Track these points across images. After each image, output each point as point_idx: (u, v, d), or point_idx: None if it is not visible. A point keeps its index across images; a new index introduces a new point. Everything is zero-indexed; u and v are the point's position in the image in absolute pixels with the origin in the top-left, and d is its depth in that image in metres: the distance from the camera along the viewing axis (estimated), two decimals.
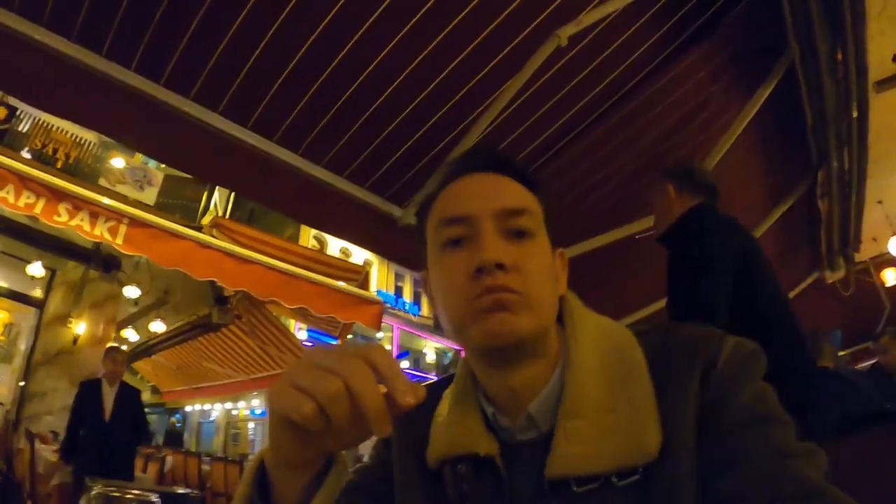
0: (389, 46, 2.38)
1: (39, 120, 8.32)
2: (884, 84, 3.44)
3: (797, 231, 4.66)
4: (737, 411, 0.64)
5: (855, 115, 3.35)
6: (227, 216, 9.01)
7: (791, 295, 5.44)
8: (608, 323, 0.78)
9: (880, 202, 4.85)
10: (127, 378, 5.12)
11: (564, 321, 0.77)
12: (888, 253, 5.21)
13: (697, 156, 3.20)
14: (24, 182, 4.58)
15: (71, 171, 8.04)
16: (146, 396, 15.63)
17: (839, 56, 2.94)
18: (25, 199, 4.57)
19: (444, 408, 0.81)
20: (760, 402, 0.65)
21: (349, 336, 7.53)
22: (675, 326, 0.74)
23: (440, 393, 0.84)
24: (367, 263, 7.23)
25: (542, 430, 0.72)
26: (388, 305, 22.92)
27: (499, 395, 0.76)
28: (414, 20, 2.31)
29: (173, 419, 23.22)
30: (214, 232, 6.00)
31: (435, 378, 0.95)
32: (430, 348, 26.51)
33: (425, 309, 24.42)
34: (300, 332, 14.81)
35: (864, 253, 5.38)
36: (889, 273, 5.78)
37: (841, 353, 6.20)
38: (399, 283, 25.44)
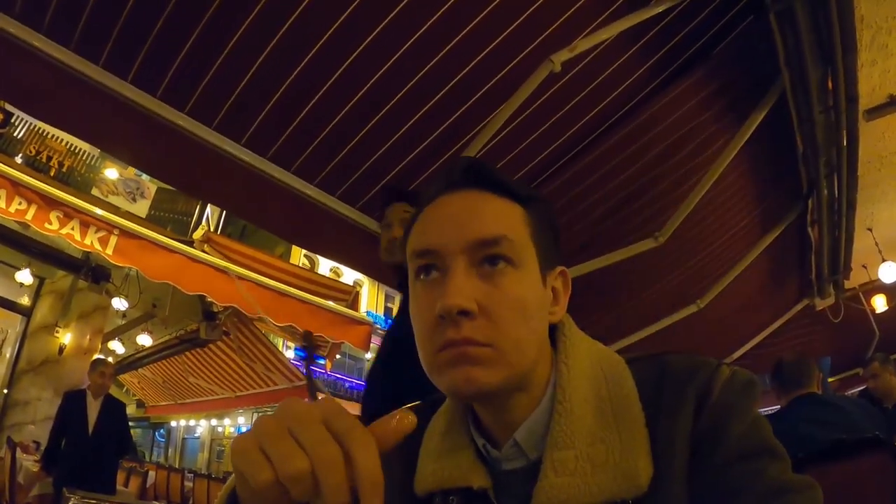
0: (384, 68, 2.39)
1: (34, 126, 8.27)
2: (874, 112, 3.48)
3: (787, 258, 4.68)
4: (731, 444, 0.61)
5: (845, 143, 3.38)
6: (219, 231, 8.98)
7: (780, 322, 5.48)
8: (601, 349, 0.75)
9: (870, 229, 4.89)
10: (112, 391, 5.05)
11: (557, 344, 0.73)
12: (878, 280, 5.24)
13: (688, 182, 3.23)
14: (16, 188, 4.58)
15: (64, 180, 8.01)
16: (131, 410, 15.48)
17: (830, 85, 2.98)
18: (17, 205, 4.57)
19: (433, 434, 0.77)
20: (755, 434, 0.63)
21: (337, 356, 7.49)
22: (668, 355, 0.71)
23: (430, 414, 0.80)
24: (357, 284, 7.23)
25: (530, 457, 0.69)
26: (378, 326, 22.80)
27: (486, 425, 0.73)
28: (409, 43, 2.33)
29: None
30: (205, 247, 5.98)
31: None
32: None
33: None
34: (288, 350, 14.72)
35: (854, 280, 5.41)
36: (878, 300, 5.81)
37: (830, 380, 6.23)
38: (389, 304, 25.26)
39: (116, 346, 9.96)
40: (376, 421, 0.47)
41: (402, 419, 0.47)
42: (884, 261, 5.08)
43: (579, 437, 0.65)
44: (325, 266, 19.99)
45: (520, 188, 0.73)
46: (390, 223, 1.90)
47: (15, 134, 8.27)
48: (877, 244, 5.05)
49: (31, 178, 4.82)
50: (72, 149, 8.63)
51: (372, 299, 23.60)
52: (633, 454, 0.63)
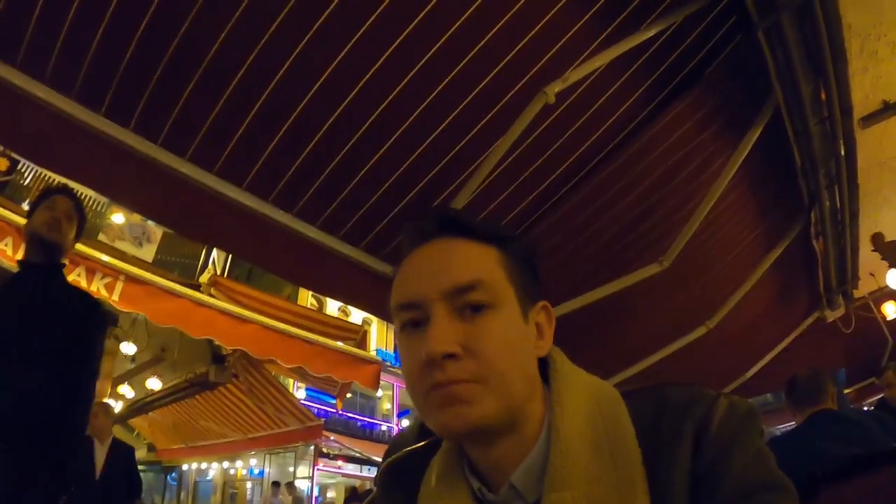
0: (380, 109, 2.42)
1: (40, 174, 8.33)
2: (869, 119, 3.49)
3: (794, 273, 4.66)
4: (733, 481, 0.60)
5: (843, 152, 3.38)
6: (226, 275, 9.01)
7: (792, 337, 5.43)
8: (595, 383, 0.74)
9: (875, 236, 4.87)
10: (123, 435, 5.05)
11: (550, 382, 0.73)
12: (887, 286, 5.19)
13: (689, 204, 3.22)
14: (22, 235, 4.59)
15: None
16: (142, 454, 15.36)
17: (823, 96, 2.99)
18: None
19: (430, 478, 0.77)
20: (758, 468, 0.62)
21: (348, 395, 7.45)
22: (666, 387, 0.70)
23: (428, 458, 0.79)
24: (365, 322, 7.24)
25: (528, 500, 0.68)
26: (388, 364, 22.66)
27: (481, 467, 0.73)
28: (405, 81, 2.35)
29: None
30: (212, 290, 6.00)
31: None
32: None
33: None
34: (299, 391, 14.67)
35: (863, 288, 5.37)
36: (889, 307, 5.75)
37: (846, 391, 6.15)
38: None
39: (126, 391, 9.92)
40: None
41: None
42: (891, 267, 5.04)
43: (576, 478, 0.64)
44: (333, 306, 19.93)
45: (492, 230, 0.75)
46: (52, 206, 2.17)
47: (21, 181, 8.34)
48: None
49: None
50: (78, 195, 8.69)
51: (381, 337, 23.52)
52: (632, 494, 0.62)
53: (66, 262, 2.53)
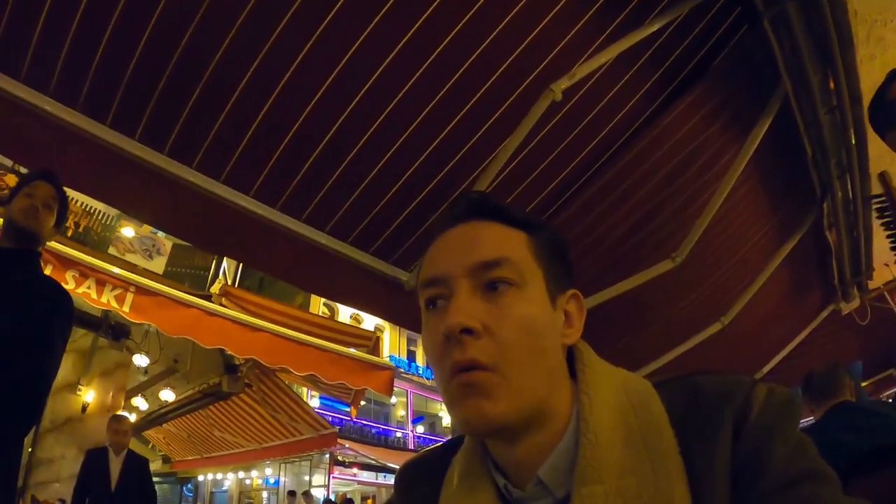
0: (386, 111, 2.41)
1: None
2: None
3: (808, 266, 4.61)
4: (776, 470, 0.58)
5: (854, 141, 3.34)
6: (237, 284, 9.03)
7: (807, 331, 5.38)
8: (624, 375, 0.72)
9: None
10: (138, 447, 5.08)
11: (577, 374, 0.71)
12: None
13: (700, 199, 3.19)
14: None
15: (81, 240, 8.12)
16: (157, 465, 15.42)
17: (832, 85, 2.96)
18: None
19: (453, 476, 0.75)
20: (801, 456, 0.59)
21: (362, 402, 7.44)
22: (698, 375, 0.68)
23: (450, 457, 0.78)
24: (378, 329, 7.24)
25: (557, 496, 0.65)
26: (401, 370, 22.75)
27: (505, 464, 0.71)
28: (411, 82, 2.35)
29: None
30: (223, 300, 6.01)
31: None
32: (446, 412, 26.07)
33: None
34: (313, 399, 14.66)
35: (877, 279, 5.29)
36: None
37: (864, 384, 6.09)
38: (412, 348, 25.25)
39: (140, 403, 9.96)
40: None
41: None
42: None
43: (608, 471, 0.61)
44: (345, 313, 19.98)
45: (522, 215, 0.75)
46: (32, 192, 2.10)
47: None
48: None
49: None
50: (87, 209, 8.77)
51: (394, 343, 23.60)
52: (669, 485, 0.59)
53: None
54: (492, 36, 2.30)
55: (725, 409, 0.62)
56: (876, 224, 4.42)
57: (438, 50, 2.28)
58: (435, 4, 2.15)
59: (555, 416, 0.68)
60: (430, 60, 2.30)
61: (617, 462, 0.62)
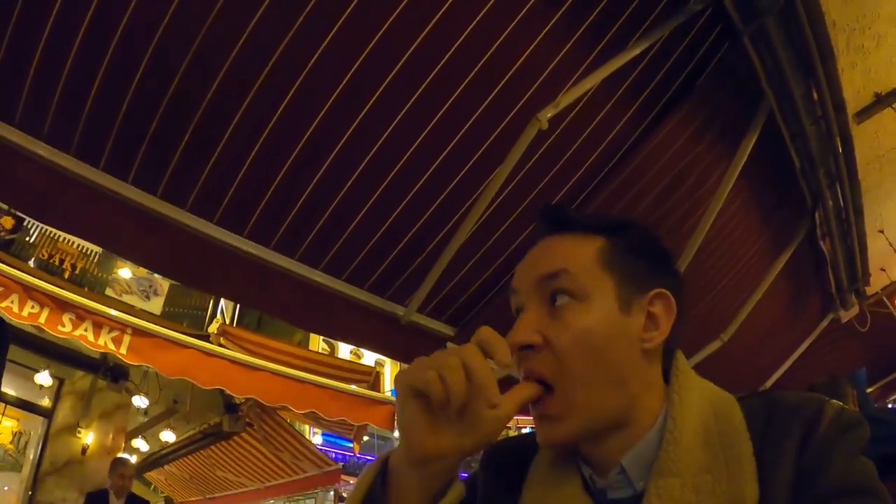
0: (376, 147, 2.42)
1: (46, 230, 8.39)
2: (863, 114, 3.48)
3: (804, 276, 4.60)
4: (833, 477, 0.62)
5: (840, 150, 3.36)
6: (235, 323, 8.99)
7: (808, 342, 5.35)
8: (711, 386, 0.76)
9: (881, 231, 4.81)
10: (140, 489, 5.04)
11: (671, 377, 0.75)
12: None
13: (692, 217, 3.19)
14: (28, 292, 4.66)
15: (77, 282, 8.11)
16: None
17: (815, 96, 2.98)
18: (30, 308, 4.65)
19: (541, 465, 0.78)
20: (860, 472, 0.64)
21: (365, 438, 7.37)
22: (777, 391, 0.73)
23: (536, 445, 0.80)
24: (378, 364, 7.21)
25: (637, 487, 0.69)
26: None
27: (590, 456, 0.74)
28: (398, 118, 2.37)
29: None
30: (221, 340, 5.98)
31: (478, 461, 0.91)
32: None
33: None
34: (315, 436, 14.46)
35: (875, 284, 5.29)
36: None
37: (869, 390, 6.04)
38: None
39: (140, 444, 9.84)
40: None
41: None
42: None
43: (686, 467, 0.66)
44: (345, 349, 19.76)
45: (597, 220, 0.78)
46: None
47: (27, 238, 8.41)
48: (891, 245, 4.96)
49: (42, 282, 4.92)
50: (83, 251, 8.76)
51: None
52: (741, 485, 0.63)
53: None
54: (475, 69, 2.32)
55: (796, 419, 0.66)
56: (870, 229, 4.43)
57: (424, 85, 2.30)
58: (418, 42, 2.17)
59: (640, 417, 0.72)
60: (415, 96, 2.32)
61: (695, 460, 0.66)
